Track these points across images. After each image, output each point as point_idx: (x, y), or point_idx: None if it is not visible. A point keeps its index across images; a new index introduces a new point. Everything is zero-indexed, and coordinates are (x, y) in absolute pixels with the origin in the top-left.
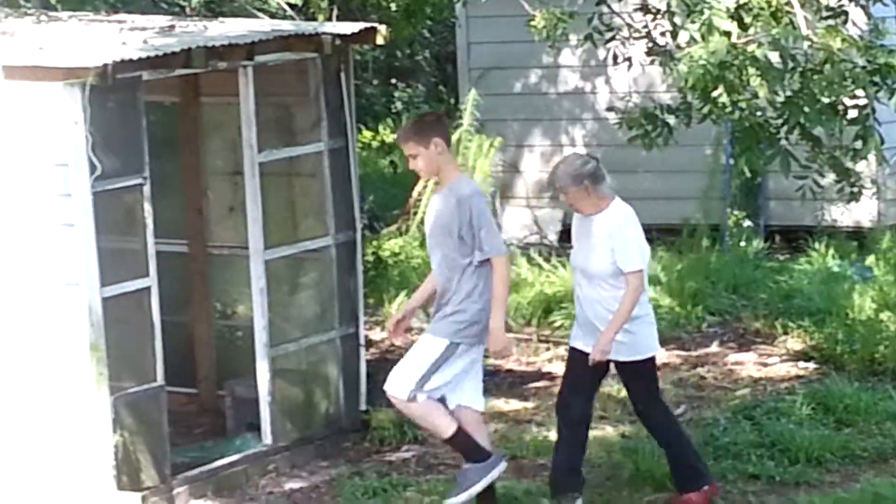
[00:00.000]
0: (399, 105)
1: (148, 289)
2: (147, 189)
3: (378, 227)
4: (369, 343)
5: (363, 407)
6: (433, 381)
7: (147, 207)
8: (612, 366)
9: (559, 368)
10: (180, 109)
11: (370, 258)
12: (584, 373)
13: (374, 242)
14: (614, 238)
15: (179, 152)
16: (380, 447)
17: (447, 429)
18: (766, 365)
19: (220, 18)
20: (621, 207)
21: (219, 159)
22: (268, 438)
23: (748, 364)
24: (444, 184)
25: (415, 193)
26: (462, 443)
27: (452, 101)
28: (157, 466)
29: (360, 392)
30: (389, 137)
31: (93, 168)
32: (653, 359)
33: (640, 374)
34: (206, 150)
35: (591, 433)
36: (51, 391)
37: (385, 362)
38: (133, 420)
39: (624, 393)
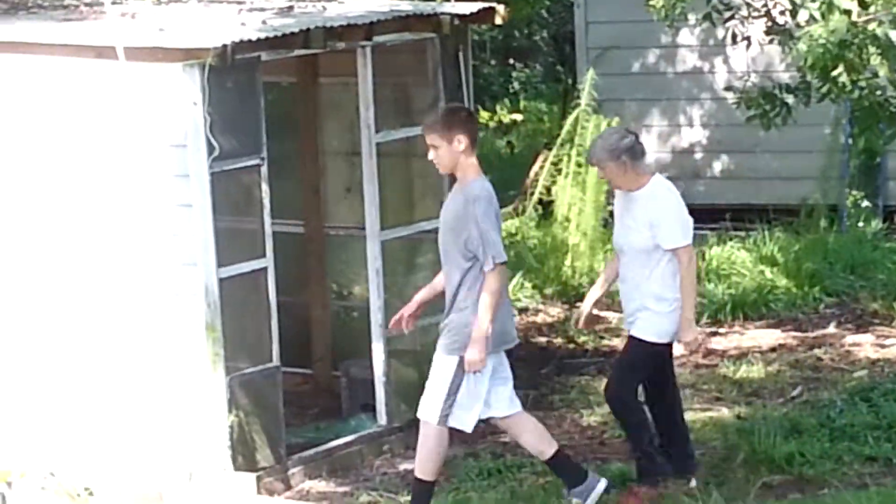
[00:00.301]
0: (516, 85)
1: (264, 269)
2: (264, 170)
3: None
4: None
5: None
6: (461, 399)
7: (264, 188)
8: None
9: (675, 349)
10: (298, 90)
11: None
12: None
13: None
14: (654, 215)
15: (297, 133)
16: (494, 428)
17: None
18: (883, 346)
19: None
20: (661, 183)
21: (336, 140)
22: (382, 419)
23: (865, 345)
24: (460, 183)
25: (531, 174)
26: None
27: (570, 80)
28: (273, 447)
29: None
30: (507, 118)
31: (211, 149)
32: (657, 347)
33: (635, 352)
34: (323, 130)
35: (706, 414)
36: (167, 372)
37: None
38: (248, 401)
39: (739, 374)
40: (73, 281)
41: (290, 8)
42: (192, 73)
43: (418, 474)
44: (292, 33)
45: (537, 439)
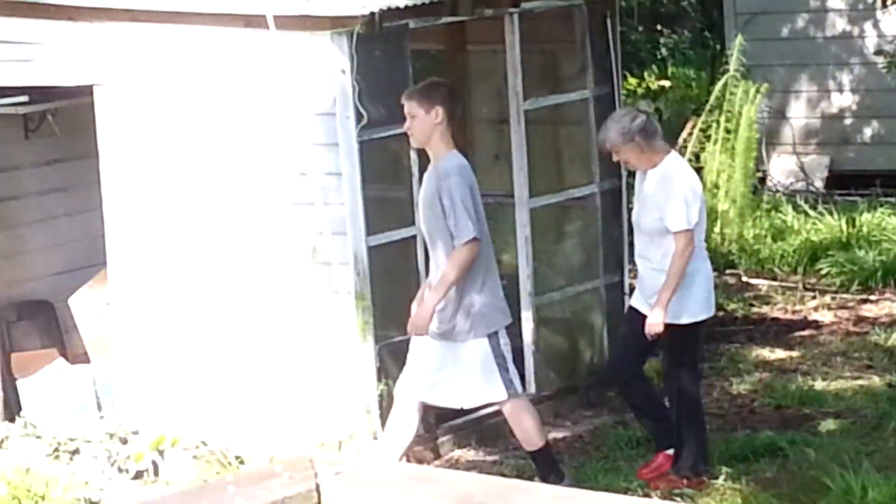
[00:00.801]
0: (664, 51)
1: (413, 237)
2: None
3: None
4: (633, 291)
5: None
6: (509, 364)
7: (413, 156)
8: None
9: (826, 317)
10: (446, 58)
11: None
12: (633, 332)
13: None
14: (663, 195)
15: None
16: None
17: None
18: None
19: None
20: (674, 163)
21: (484, 107)
22: (532, 387)
23: None
24: (434, 161)
25: (680, 140)
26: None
27: (718, 46)
28: (423, 415)
29: None
30: (655, 84)
31: (359, 117)
32: (694, 326)
33: (675, 338)
34: (471, 98)
35: (856, 382)
36: (317, 341)
37: None
38: (398, 369)
39: (891, 341)
40: (223, 250)
41: None
42: (341, 42)
43: (529, 448)
44: (440, 1)
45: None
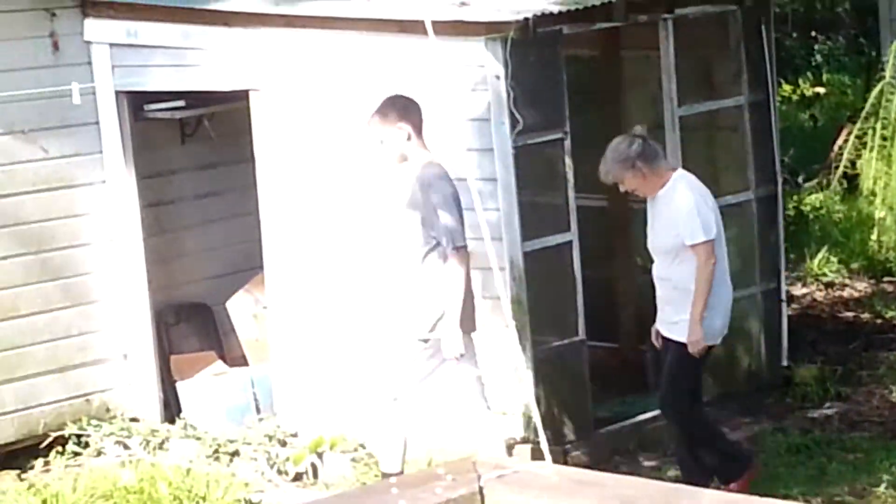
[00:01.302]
0: (819, 58)
1: (569, 243)
2: (567, 143)
3: (798, 181)
4: (791, 298)
5: (785, 363)
6: None
7: (568, 162)
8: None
9: None
10: (600, 63)
11: (791, 213)
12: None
13: (795, 197)
14: (675, 212)
15: (597, 106)
16: (802, 403)
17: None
18: None
19: None
20: (681, 178)
21: (638, 113)
22: None
23: None
24: (413, 171)
25: (835, 147)
26: None
27: (873, 53)
28: (579, 420)
29: (781, 348)
30: (809, 91)
31: (514, 122)
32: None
33: (680, 358)
34: (625, 103)
35: None
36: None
37: (807, 318)
38: (555, 374)
39: None
40: (378, 253)
41: None
42: (495, 47)
43: None
44: (594, 6)
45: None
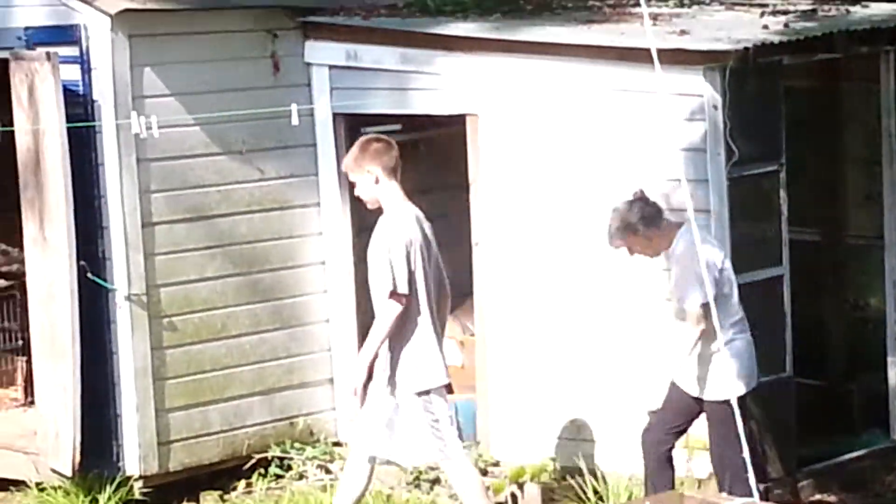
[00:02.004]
0: None
1: (780, 277)
2: (783, 176)
3: None
4: None
5: None
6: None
7: (782, 194)
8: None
9: None
10: (818, 95)
11: None
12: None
13: None
14: (673, 273)
15: (812, 138)
16: None
17: None
18: None
19: (863, 2)
20: (683, 238)
21: (856, 146)
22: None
23: None
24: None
25: None
26: None
27: None
28: (783, 458)
29: None
30: None
31: (730, 153)
32: (728, 403)
33: (714, 415)
34: (841, 136)
35: None
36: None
37: None
38: (761, 410)
39: None
40: (590, 284)
41: (814, 11)
42: (713, 77)
43: None
44: (815, 37)
45: None
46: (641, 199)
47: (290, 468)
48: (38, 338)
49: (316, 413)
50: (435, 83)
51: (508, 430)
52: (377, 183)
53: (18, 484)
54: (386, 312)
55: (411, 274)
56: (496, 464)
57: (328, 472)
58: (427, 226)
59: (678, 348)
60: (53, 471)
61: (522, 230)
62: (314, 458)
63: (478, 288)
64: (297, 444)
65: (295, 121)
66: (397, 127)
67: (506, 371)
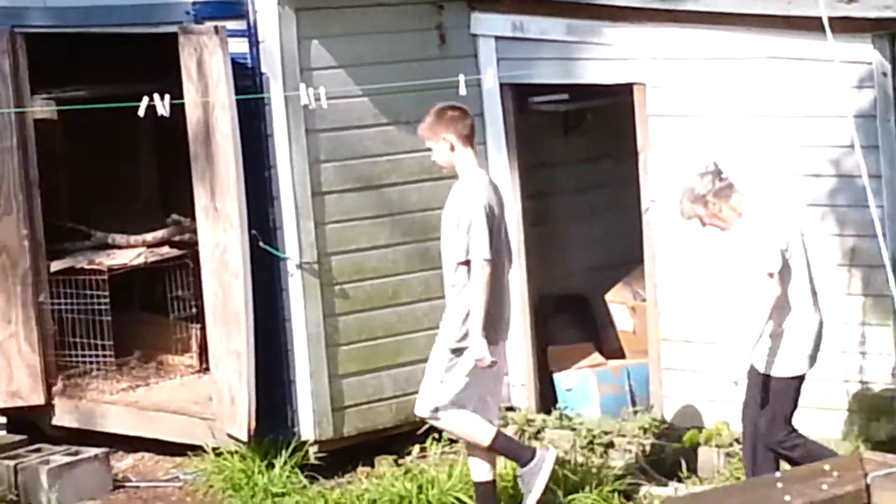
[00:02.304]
0: None
1: None
2: None
3: None
4: None
5: None
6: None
7: None
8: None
9: None
10: None
11: None
12: (752, 386)
13: None
14: (747, 242)
15: None
16: None
17: (486, 436)
18: None
19: None
20: (753, 207)
21: None
22: None
23: None
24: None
25: None
26: (503, 447)
27: None
28: None
29: None
30: None
31: None
32: (790, 381)
33: (771, 391)
34: None
35: None
36: (850, 341)
37: None
38: None
39: None
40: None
41: None
42: (882, 45)
43: (484, 444)
44: None
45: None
46: (713, 172)
47: None
48: (211, 306)
49: None
50: (601, 53)
51: (681, 394)
52: (452, 150)
53: (195, 448)
54: (478, 277)
55: (492, 238)
56: (669, 428)
57: None
58: (498, 194)
59: (750, 323)
60: (229, 436)
61: None
62: None
63: (647, 254)
64: None
65: (462, 91)
66: (564, 96)
67: (677, 335)
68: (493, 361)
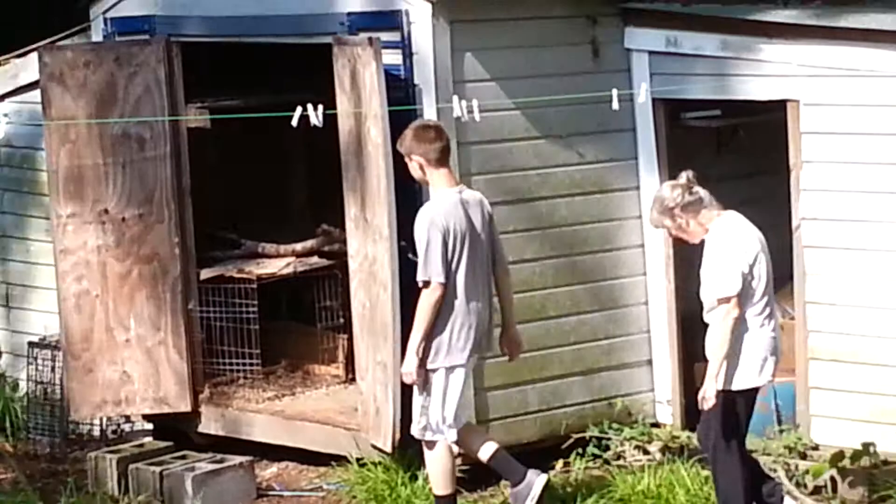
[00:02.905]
0: None
1: None
2: None
3: None
4: None
5: None
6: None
7: None
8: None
9: None
10: None
11: None
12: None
13: None
14: (708, 261)
15: None
16: None
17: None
18: None
19: None
20: (718, 224)
21: None
22: None
23: None
24: None
25: None
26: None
27: None
28: None
29: None
30: None
31: None
32: (732, 395)
33: (721, 402)
34: None
35: None
36: None
37: None
38: None
39: None
40: None
41: None
42: None
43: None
44: None
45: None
46: (683, 186)
47: (607, 448)
48: (359, 317)
49: (634, 394)
50: (756, 69)
51: (828, 413)
52: (422, 170)
53: (339, 459)
54: (422, 300)
55: (448, 263)
56: (815, 447)
57: (646, 452)
58: (477, 209)
59: (711, 347)
60: (373, 447)
61: (844, 215)
62: (632, 438)
63: (797, 271)
64: (614, 425)
65: (615, 105)
66: (717, 112)
67: (825, 354)
68: (414, 381)
